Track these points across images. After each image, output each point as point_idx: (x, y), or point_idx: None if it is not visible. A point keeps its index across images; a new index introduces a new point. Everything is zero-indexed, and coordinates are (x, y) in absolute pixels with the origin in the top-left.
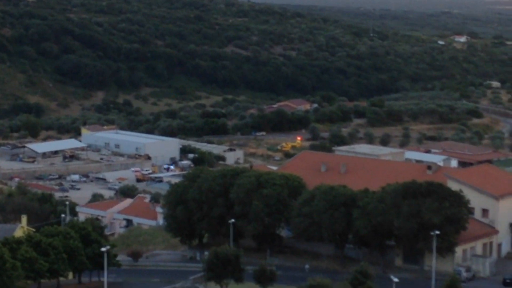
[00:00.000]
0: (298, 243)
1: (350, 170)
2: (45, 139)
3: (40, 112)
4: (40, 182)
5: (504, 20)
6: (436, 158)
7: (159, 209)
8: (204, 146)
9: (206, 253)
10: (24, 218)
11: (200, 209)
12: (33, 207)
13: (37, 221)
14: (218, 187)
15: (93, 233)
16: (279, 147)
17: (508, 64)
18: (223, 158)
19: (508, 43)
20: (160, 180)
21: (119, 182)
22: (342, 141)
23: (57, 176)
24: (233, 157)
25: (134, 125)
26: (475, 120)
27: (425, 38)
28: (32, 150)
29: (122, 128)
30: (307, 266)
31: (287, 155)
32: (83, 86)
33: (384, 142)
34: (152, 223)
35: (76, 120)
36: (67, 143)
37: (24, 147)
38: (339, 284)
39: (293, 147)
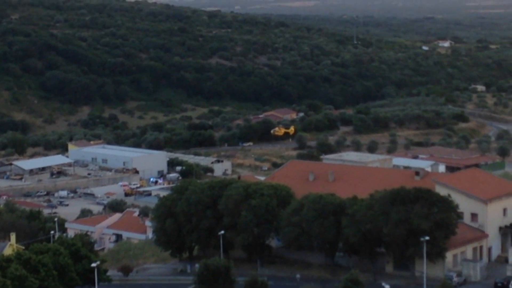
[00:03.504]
0: (288, 253)
1: (338, 178)
2: (32, 156)
3: (26, 129)
4: (28, 199)
5: (487, 24)
6: (423, 164)
7: (148, 222)
8: (191, 158)
9: (197, 265)
10: (13, 236)
11: (189, 221)
12: (22, 225)
13: (26, 239)
14: (206, 199)
15: (82, 249)
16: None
17: (492, 67)
18: (211, 170)
19: (492, 46)
20: (148, 194)
21: (108, 197)
22: (329, 150)
23: (45, 193)
24: (221, 169)
25: (120, 139)
26: (462, 125)
27: (409, 44)
28: (19, 167)
29: (109, 143)
30: (298, 275)
31: (275, 165)
32: (68, 102)
33: (372, 149)
34: (142, 237)
35: (63, 136)
36: (54, 159)
37: (11, 164)
38: None
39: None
